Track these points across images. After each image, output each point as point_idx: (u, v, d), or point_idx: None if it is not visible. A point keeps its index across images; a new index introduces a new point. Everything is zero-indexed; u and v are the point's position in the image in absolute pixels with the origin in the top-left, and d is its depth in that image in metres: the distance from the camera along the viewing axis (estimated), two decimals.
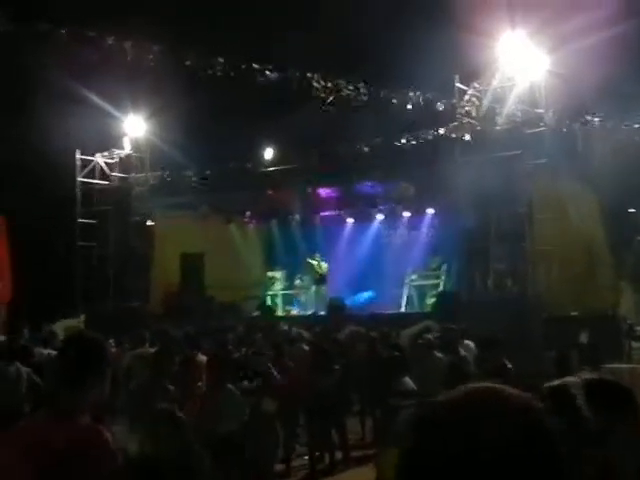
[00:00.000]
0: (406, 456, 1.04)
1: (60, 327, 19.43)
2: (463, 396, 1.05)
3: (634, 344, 16.36)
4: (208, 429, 6.55)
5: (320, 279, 22.38)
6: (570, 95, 16.15)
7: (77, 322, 21.41)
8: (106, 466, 3.02)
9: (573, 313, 16.88)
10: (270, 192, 23.54)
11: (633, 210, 20.48)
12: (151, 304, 23.20)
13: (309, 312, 22.63)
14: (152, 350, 10.65)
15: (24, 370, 9.64)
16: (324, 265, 22.68)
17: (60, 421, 3.14)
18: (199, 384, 8.42)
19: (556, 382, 1.13)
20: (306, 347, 13.20)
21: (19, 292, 20.92)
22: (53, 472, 2.95)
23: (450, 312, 15.75)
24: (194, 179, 23.69)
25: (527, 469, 0.97)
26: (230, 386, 7.53)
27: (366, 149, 20.37)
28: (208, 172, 23.51)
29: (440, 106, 18.76)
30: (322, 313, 21.09)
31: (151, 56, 18.83)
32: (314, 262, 22.74)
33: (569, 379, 1.16)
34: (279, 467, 10.03)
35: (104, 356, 3.37)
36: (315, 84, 18.79)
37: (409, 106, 18.55)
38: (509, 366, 8.21)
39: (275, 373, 8.64)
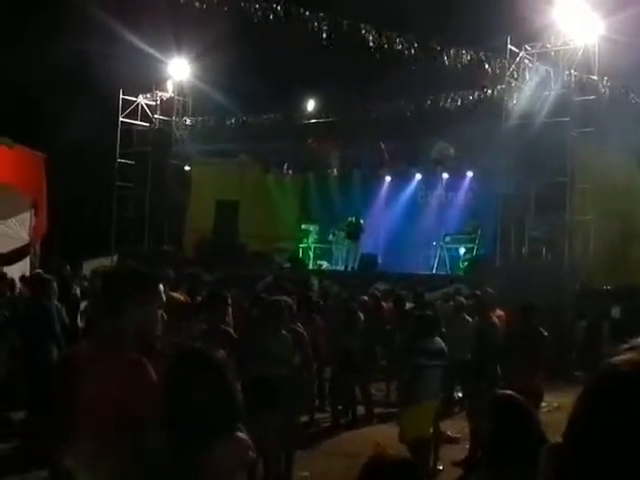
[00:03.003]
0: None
1: (92, 265, 19.60)
2: None
3: None
4: (262, 371, 6.79)
5: (354, 234, 22.21)
6: (624, 62, 15.69)
7: (109, 262, 21.57)
8: (147, 395, 3.02)
9: (606, 286, 16.66)
10: (310, 144, 23.34)
11: None
12: (184, 248, 23.32)
13: (340, 267, 22.57)
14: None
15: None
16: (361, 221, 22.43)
17: (101, 347, 3.23)
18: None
19: None
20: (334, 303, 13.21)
21: (55, 229, 21.06)
22: (96, 395, 2.99)
23: (482, 277, 15.64)
24: (234, 126, 23.56)
25: None
26: (284, 331, 7.54)
27: (412, 106, 20.07)
28: (249, 120, 23.36)
29: (490, 67, 18.36)
30: (354, 268, 21.04)
31: None
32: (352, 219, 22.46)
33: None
34: (303, 419, 10.04)
35: (143, 284, 3.37)
36: (367, 36, 18.44)
37: (459, 65, 18.17)
38: (545, 334, 8.05)
39: (301, 327, 8.57)
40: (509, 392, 3.44)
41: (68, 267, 14.08)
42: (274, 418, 6.91)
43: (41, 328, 8.77)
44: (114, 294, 3.37)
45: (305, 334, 8.50)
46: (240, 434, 2.95)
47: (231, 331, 7.97)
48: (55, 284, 9.59)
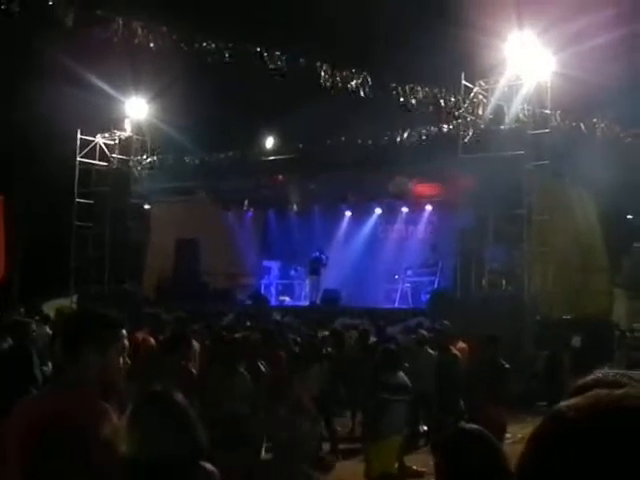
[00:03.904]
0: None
1: (52, 306, 19.28)
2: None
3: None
4: (221, 410, 6.83)
5: (315, 270, 22.28)
6: (576, 97, 16.01)
7: (69, 302, 21.30)
8: (105, 441, 2.95)
9: (566, 317, 16.83)
10: (269, 181, 23.37)
11: (631, 217, 20.42)
12: (144, 287, 23.10)
13: (303, 303, 22.54)
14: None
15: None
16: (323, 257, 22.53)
17: (61, 393, 3.14)
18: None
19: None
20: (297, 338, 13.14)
21: (13, 270, 20.74)
22: (55, 441, 2.93)
23: (444, 309, 15.71)
24: (194, 164, 23.52)
25: None
26: (242, 370, 7.58)
27: (369, 142, 20.22)
28: (208, 158, 23.35)
29: (445, 103, 18.60)
30: (316, 304, 21.03)
31: (158, 38, 18.63)
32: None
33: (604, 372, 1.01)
34: (266, 456, 9.92)
35: (104, 328, 3.26)
36: (323, 74, 18.60)
37: (414, 100, 18.39)
38: (507, 365, 8.08)
39: (263, 365, 8.56)
40: (474, 425, 3.45)
41: (22, 310, 13.82)
42: (237, 458, 6.85)
43: (22, 374, 8.49)
44: (73, 340, 3.27)
45: (265, 372, 8.48)
46: (205, 464, 2.94)
47: (193, 370, 7.94)
48: (34, 327, 9.40)
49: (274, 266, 24.44)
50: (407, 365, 9.17)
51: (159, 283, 22.62)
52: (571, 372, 13.33)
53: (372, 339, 12.92)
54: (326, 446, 11.15)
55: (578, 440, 0.85)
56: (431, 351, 11.32)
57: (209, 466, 2.94)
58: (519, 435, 9.93)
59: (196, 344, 11.11)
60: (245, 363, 8.19)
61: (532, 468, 0.89)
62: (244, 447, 7.02)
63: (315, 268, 22.36)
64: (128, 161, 24.55)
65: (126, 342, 3.40)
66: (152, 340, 11.02)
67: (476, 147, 17.22)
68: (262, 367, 8.68)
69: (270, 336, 11.16)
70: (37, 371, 8.51)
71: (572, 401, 0.91)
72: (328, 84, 18.63)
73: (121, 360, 3.29)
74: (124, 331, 3.34)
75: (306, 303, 22.25)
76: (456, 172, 17.71)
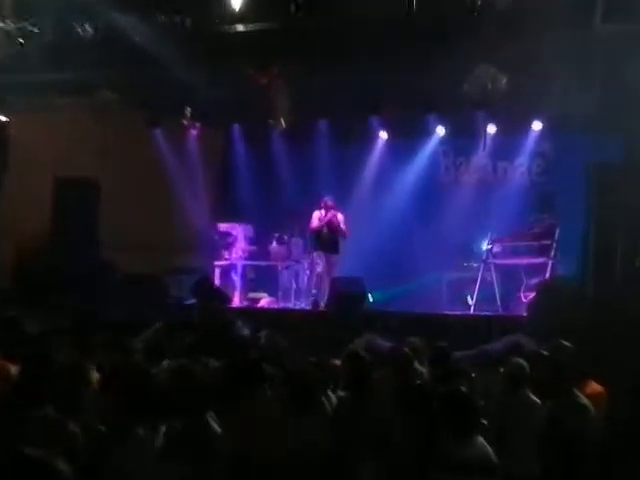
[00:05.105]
0: None
1: None
2: None
3: None
4: None
5: (328, 243, 22.27)
6: None
7: None
8: None
9: None
10: (234, 73, 23.29)
11: None
12: None
13: (296, 304, 22.59)
14: None
15: None
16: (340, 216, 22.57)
17: None
18: None
19: None
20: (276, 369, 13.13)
21: None
22: None
23: (563, 319, 15.66)
24: (91, 39, 23.42)
25: None
26: (141, 432, 7.74)
27: (422, 7, 20.16)
28: (118, 27, 23.22)
29: None
30: (321, 306, 21.06)
31: None
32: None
33: None
34: None
35: None
36: None
37: None
38: None
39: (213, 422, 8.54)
40: None
41: None
42: None
43: None
44: None
45: (220, 434, 8.43)
46: None
47: (76, 430, 7.98)
48: None
49: (240, 233, 24.45)
50: (488, 424, 9.09)
51: (21, 262, 22.64)
52: None
53: (422, 370, 12.86)
54: None
55: None
56: (535, 398, 11.28)
57: None
58: None
59: (95, 376, 11.13)
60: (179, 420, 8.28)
61: None
62: None
63: (329, 240, 22.37)
64: None
65: None
66: (12, 369, 11.03)
67: (622, 11, 17.15)
68: (213, 424, 8.63)
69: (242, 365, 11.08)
70: None
71: None
72: None
73: None
74: None
75: (302, 305, 22.34)
76: (587, 58, 17.62)
